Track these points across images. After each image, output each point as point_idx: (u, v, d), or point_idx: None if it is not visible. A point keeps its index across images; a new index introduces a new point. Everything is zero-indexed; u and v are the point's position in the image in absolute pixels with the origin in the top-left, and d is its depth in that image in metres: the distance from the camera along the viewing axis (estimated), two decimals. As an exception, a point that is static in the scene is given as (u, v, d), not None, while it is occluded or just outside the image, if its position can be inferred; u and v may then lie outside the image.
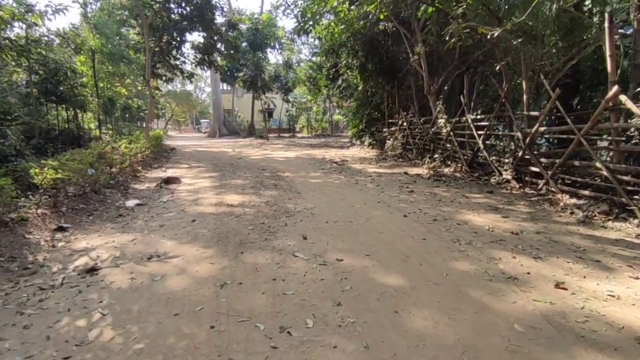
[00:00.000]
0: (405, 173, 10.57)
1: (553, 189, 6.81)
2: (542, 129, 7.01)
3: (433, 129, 12.05)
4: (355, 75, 17.69)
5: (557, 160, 6.68)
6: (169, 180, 9.10)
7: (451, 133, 10.87)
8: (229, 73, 33.08)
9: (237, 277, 3.56)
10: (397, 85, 15.98)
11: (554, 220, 5.52)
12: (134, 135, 17.00)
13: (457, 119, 10.36)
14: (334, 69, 20.02)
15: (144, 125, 20.51)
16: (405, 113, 14.75)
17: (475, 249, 4.28)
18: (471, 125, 9.59)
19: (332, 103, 34.40)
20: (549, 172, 6.90)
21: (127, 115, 30.15)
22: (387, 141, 16.48)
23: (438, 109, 11.69)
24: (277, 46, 31.60)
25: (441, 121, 11.40)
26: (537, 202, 6.61)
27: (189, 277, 3.58)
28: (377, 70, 16.17)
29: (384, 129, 17.73)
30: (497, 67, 8.13)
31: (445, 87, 12.60)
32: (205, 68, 21.81)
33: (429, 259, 4.00)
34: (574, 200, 6.20)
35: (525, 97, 7.59)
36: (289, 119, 38.78)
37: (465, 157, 10.19)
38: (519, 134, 7.64)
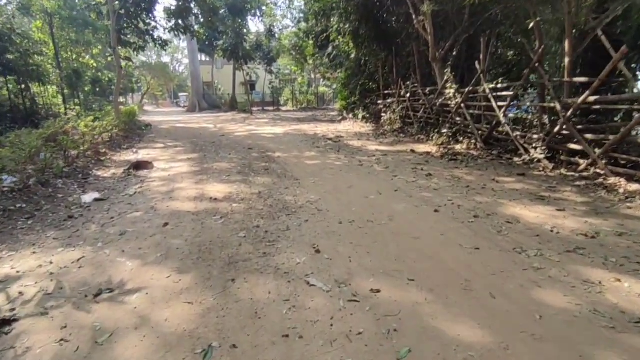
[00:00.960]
0: (412, 151, 9.34)
1: (601, 171, 5.71)
2: (592, 98, 5.78)
3: (440, 101, 10.77)
4: (347, 41, 16.05)
5: (611, 137, 5.54)
6: (139, 165, 7.65)
7: (462, 105, 9.62)
8: (207, 42, 30.69)
9: (227, 332, 2.32)
10: (394, 53, 14.49)
11: (624, 213, 4.41)
12: (103, 111, 15.23)
13: (471, 88, 9.08)
14: (323, 35, 18.27)
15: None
16: (405, 83, 13.37)
17: (553, 265, 3.12)
18: (489, 95, 8.34)
19: (318, 74, 32.49)
20: (597, 151, 5.78)
21: (97, 90, 27.76)
22: (383, 114, 15.15)
23: (446, 77, 10.36)
24: (258, 13, 29.27)
25: (450, 91, 10.09)
26: (586, 187, 5.49)
27: (154, 335, 2.31)
28: (371, 36, 14.59)
29: (379, 101, 16.36)
30: (530, 25, 6.81)
31: (453, 53, 11.23)
32: (181, 35, 19.73)
33: (501, 286, 2.82)
34: (636, 186, 5.10)
35: (567, 60, 6.33)
36: (272, 91, 36.79)
37: (480, 132, 9.00)
38: (556, 105, 6.43)
